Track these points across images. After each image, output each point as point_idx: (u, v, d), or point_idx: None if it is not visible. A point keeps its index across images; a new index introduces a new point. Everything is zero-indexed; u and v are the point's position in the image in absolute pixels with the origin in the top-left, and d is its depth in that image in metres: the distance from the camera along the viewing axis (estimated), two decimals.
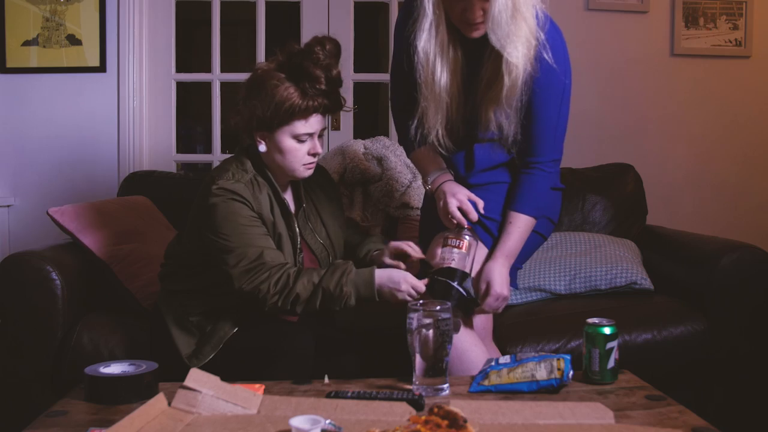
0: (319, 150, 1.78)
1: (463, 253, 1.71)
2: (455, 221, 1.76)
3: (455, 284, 1.67)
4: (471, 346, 1.72)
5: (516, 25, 1.62)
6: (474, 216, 1.76)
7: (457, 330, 1.66)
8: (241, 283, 1.68)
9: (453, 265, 1.69)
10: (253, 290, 1.67)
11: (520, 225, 1.80)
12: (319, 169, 1.94)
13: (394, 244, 1.86)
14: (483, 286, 1.77)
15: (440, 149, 1.83)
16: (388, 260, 1.83)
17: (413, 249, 1.81)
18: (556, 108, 1.75)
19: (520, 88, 1.68)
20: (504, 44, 1.64)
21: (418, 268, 1.81)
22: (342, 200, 2.01)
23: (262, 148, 1.76)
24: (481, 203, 1.79)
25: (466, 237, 1.73)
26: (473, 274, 1.74)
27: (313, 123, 1.73)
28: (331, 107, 1.76)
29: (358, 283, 1.67)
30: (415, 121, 1.81)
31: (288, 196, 1.86)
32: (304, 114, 1.71)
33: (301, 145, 1.74)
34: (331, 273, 1.68)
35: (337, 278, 1.66)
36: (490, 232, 1.83)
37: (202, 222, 1.73)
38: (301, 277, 1.67)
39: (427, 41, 1.70)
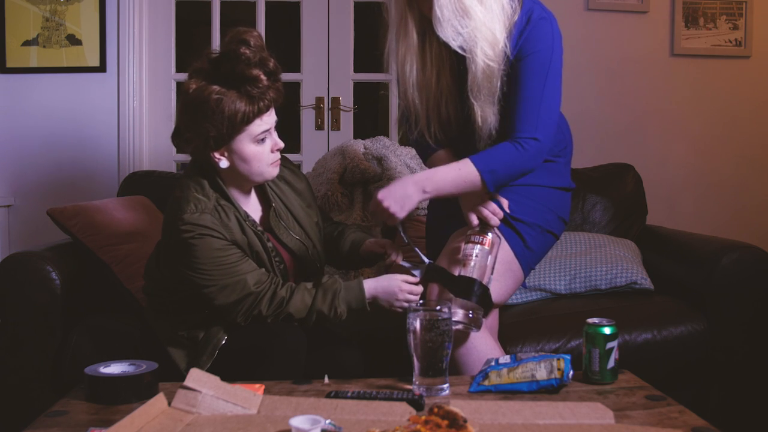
0: (280, 144, 1.70)
1: (486, 250, 1.70)
2: (479, 220, 1.75)
3: (478, 282, 1.66)
4: (491, 350, 1.72)
5: (464, 19, 1.66)
6: (500, 214, 1.75)
7: (478, 327, 1.66)
8: (233, 316, 1.67)
9: (474, 263, 1.68)
10: (246, 320, 1.68)
11: (458, 165, 1.71)
12: (281, 161, 1.82)
13: (368, 245, 1.85)
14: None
15: (430, 142, 1.85)
16: (377, 249, 1.84)
17: (389, 250, 1.81)
18: (540, 85, 1.72)
19: (480, 78, 1.70)
20: (450, 38, 1.68)
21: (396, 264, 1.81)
22: (311, 188, 1.95)
23: (224, 163, 1.66)
24: (506, 202, 1.78)
25: (489, 234, 1.72)
26: (495, 274, 1.73)
27: (267, 120, 1.66)
28: (278, 98, 1.68)
29: (350, 300, 1.69)
30: (399, 119, 1.89)
31: (254, 202, 1.80)
32: (258, 113, 1.63)
33: (263, 146, 1.66)
34: (323, 294, 1.67)
35: (330, 299, 1.67)
36: (517, 231, 1.81)
37: (175, 258, 1.66)
38: (294, 297, 1.67)
39: (396, 41, 1.77)
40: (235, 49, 1.60)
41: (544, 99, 1.72)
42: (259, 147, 1.66)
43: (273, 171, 1.71)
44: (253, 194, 1.81)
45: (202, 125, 1.61)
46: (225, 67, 1.62)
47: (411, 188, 1.70)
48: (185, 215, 1.61)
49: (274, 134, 1.70)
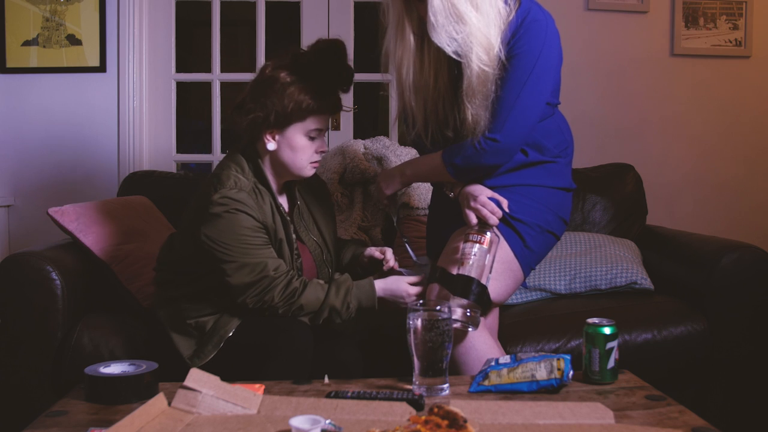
0: (326, 148, 1.82)
1: (484, 249, 1.70)
2: (478, 219, 1.75)
3: (476, 281, 1.67)
4: (490, 349, 1.72)
5: (458, 24, 1.66)
6: (499, 213, 1.75)
7: (476, 326, 1.66)
8: (244, 297, 1.69)
9: (472, 262, 1.69)
10: (256, 304, 1.70)
11: (433, 156, 1.83)
12: None
13: (368, 251, 1.92)
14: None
15: (427, 143, 1.86)
16: (377, 253, 1.90)
17: (387, 256, 1.87)
18: (516, 89, 1.72)
19: (475, 83, 1.70)
20: (444, 43, 1.68)
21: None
22: (333, 203, 2.03)
23: (272, 146, 1.76)
24: (505, 202, 1.78)
25: (488, 233, 1.73)
26: (493, 273, 1.74)
27: (324, 120, 1.78)
28: (338, 106, 1.81)
29: (361, 297, 1.74)
30: (398, 116, 1.92)
31: (282, 198, 1.88)
32: (320, 111, 1.75)
33: (312, 143, 1.77)
34: (336, 289, 1.73)
35: (343, 295, 1.72)
36: (516, 231, 1.81)
37: (202, 230, 1.70)
38: (306, 291, 1.71)
39: (393, 44, 1.79)
40: (325, 49, 1.74)
41: (519, 103, 1.72)
42: (309, 142, 1.77)
43: (310, 170, 1.81)
44: (283, 193, 1.89)
45: (269, 98, 1.72)
46: (307, 64, 1.74)
47: (396, 171, 1.95)
48: (223, 189, 1.68)
49: (323, 138, 1.81)
